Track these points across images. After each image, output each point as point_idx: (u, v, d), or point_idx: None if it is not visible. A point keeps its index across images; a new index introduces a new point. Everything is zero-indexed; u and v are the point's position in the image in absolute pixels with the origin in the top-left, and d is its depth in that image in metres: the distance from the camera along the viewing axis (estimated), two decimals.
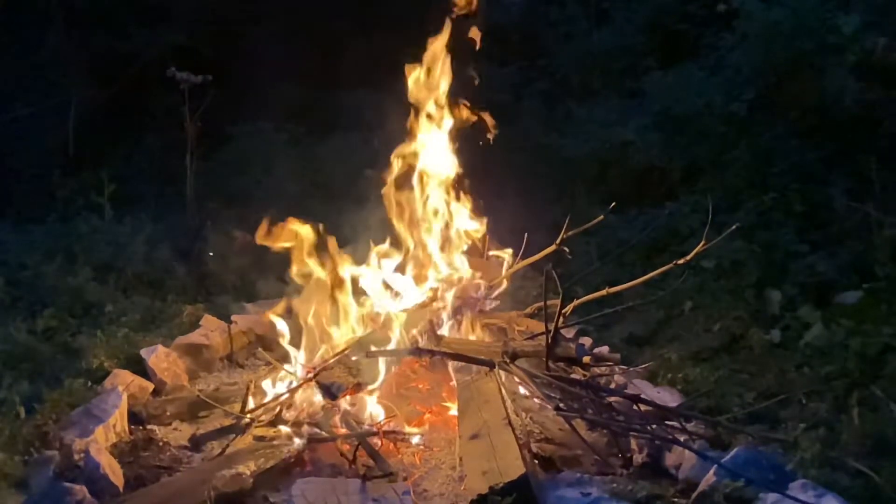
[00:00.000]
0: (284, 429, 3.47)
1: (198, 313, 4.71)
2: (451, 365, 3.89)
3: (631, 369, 3.83)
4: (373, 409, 3.67)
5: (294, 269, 4.12)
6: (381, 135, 5.53)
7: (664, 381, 3.81)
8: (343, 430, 3.53)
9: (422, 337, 3.93)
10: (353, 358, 3.73)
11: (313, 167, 6.76)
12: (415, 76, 4.36)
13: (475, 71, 4.45)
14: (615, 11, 8.12)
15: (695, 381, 3.75)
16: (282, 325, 4.05)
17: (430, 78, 4.34)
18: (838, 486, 2.75)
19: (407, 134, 4.42)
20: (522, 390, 3.72)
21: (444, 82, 4.35)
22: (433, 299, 4.15)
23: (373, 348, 3.71)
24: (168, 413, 3.78)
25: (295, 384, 3.76)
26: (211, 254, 5.47)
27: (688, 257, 3.76)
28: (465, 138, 4.51)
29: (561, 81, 7.86)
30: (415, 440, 3.52)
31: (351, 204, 5.18)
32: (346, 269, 4.13)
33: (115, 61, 7.29)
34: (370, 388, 3.70)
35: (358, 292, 4.19)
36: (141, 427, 3.67)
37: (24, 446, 3.23)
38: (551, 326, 3.52)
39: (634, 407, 3.38)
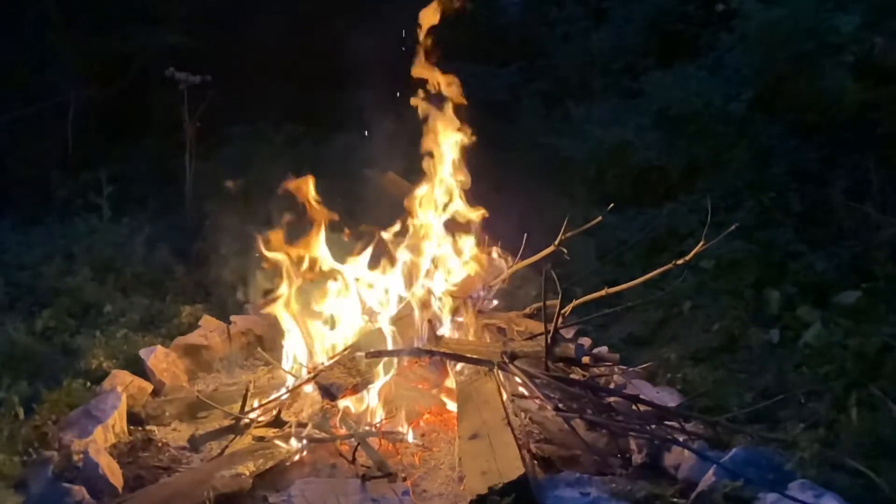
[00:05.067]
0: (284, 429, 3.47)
1: (197, 314, 4.71)
2: (450, 365, 3.89)
3: (630, 369, 3.83)
4: (372, 409, 3.68)
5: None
6: (380, 135, 5.53)
7: (663, 381, 3.82)
8: (343, 430, 3.53)
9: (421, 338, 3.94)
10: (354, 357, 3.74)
11: (312, 167, 6.76)
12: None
13: None
14: (614, 11, 8.12)
15: (694, 381, 3.75)
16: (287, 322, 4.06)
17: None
18: (837, 486, 2.75)
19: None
20: (522, 390, 3.72)
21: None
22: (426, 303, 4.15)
23: (373, 349, 3.72)
24: (167, 414, 3.79)
25: (295, 383, 3.77)
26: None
27: (687, 257, 3.76)
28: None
29: (559, 81, 7.85)
30: (410, 438, 3.53)
31: (350, 203, 5.17)
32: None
33: (114, 61, 7.27)
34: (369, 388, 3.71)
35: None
36: (140, 428, 3.67)
37: (23, 447, 3.23)
38: (550, 327, 3.52)
39: (633, 407, 3.38)
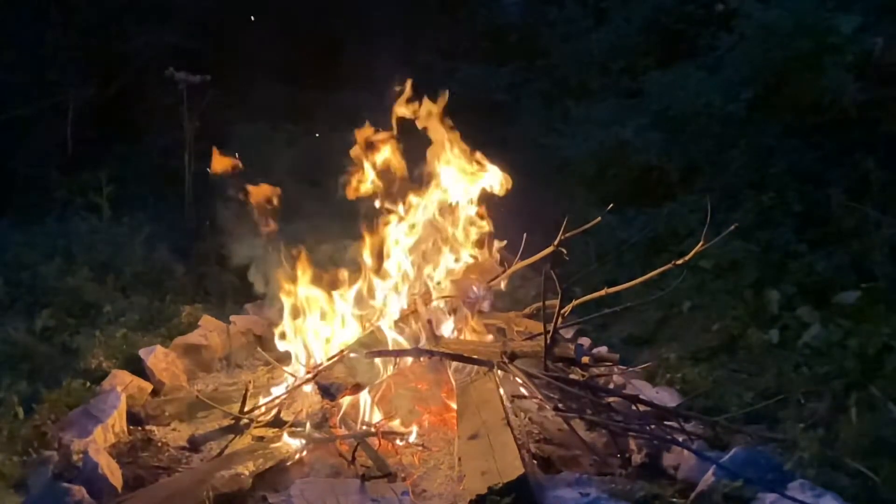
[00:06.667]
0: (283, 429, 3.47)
1: (196, 313, 4.71)
2: (449, 365, 3.88)
3: (629, 369, 3.83)
4: (371, 409, 3.68)
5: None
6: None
7: (663, 381, 3.82)
8: (342, 431, 3.53)
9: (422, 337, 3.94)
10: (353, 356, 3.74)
11: (312, 167, 6.76)
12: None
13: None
14: (613, 11, 8.13)
15: (693, 381, 3.76)
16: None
17: None
18: (837, 486, 2.76)
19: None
20: (521, 390, 3.72)
21: None
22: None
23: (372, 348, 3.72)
24: (167, 413, 3.79)
25: (294, 384, 3.77)
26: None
27: (686, 257, 3.76)
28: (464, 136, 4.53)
29: (559, 81, 7.86)
30: (411, 438, 3.53)
31: (348, 203, 5.16)
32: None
33: (114, 61, 7.28)
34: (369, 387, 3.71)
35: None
36: (140, 427, 3.67)
37: (22, 447, 3.24)
38: (550, 327, 3.52)
39: (633, 407, 3.38)
